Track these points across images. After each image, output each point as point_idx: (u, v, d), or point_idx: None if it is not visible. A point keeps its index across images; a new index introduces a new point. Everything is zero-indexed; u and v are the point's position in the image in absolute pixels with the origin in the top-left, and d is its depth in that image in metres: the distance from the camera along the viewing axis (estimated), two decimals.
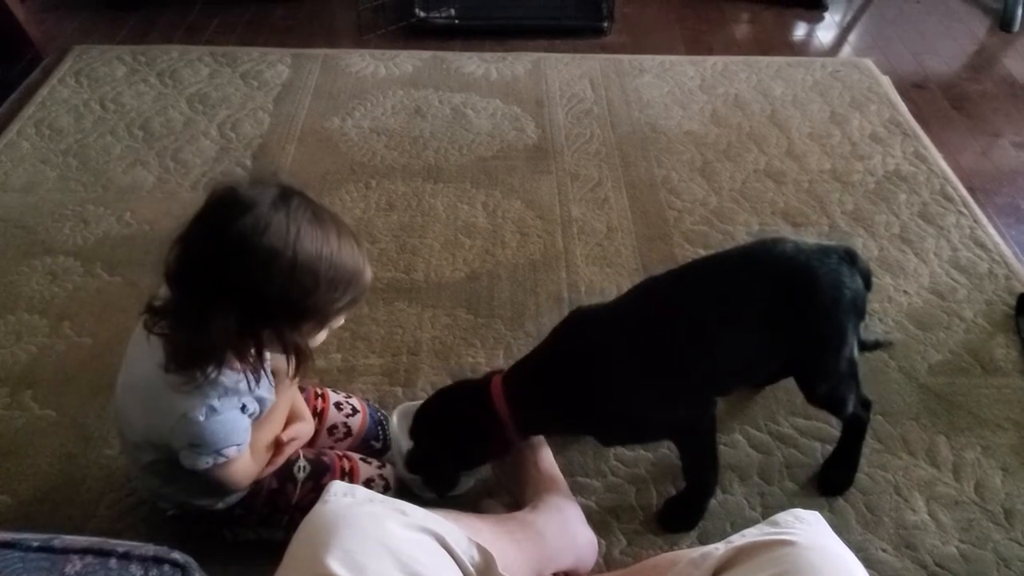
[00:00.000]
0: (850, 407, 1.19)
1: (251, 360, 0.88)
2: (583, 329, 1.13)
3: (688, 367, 1.08)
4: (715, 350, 1.08)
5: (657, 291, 1.14)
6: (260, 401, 0.98)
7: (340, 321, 0.98)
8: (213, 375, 0.88)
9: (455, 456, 1.14)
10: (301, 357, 0.91)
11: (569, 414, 1.12)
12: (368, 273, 0.94)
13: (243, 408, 0.94)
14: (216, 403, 0.90)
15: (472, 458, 1.17)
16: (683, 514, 1.22)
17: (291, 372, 0.93)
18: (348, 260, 0.89)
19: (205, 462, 0.93)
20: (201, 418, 0.89)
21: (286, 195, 0.86)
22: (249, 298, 0.83)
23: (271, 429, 1.04)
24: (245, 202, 0.83)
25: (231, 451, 0.93)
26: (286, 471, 1.10)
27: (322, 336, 0.98)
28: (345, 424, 1.23)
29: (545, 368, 1.13)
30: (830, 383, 1.16)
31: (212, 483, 0.98)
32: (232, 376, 0.91)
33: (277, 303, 0.84)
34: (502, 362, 1.46)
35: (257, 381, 0.92)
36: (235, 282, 0.82)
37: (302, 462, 1.12)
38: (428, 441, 1.13)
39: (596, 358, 1.08)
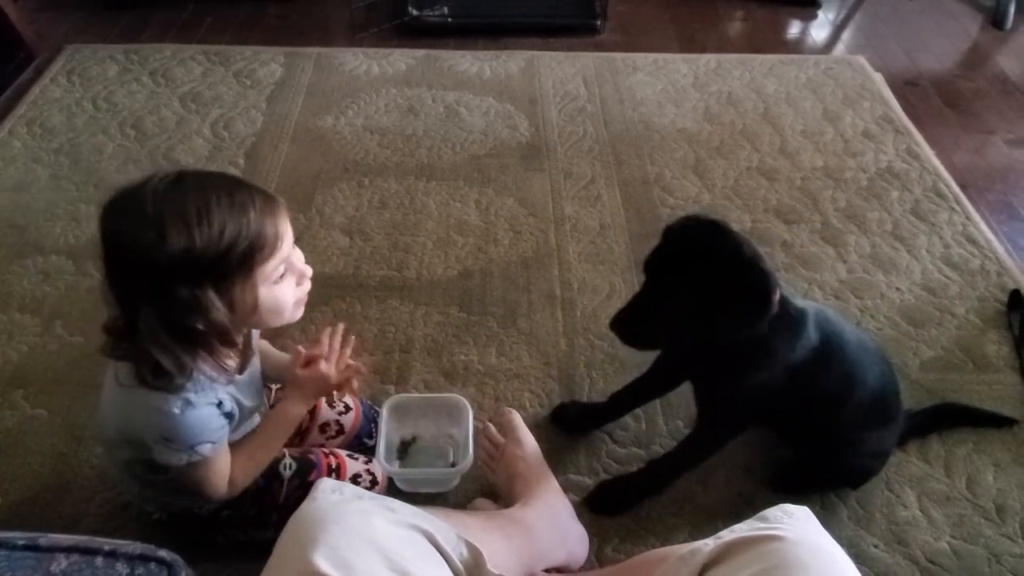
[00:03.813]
0: None
1: (216, 348, 0.87)
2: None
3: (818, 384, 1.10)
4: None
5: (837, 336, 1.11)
6: (239, 404, 0.97)
7: (280, 270, 0.90)
8: (184, 380, 0.86)
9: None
10: (223, 334, 0.87)
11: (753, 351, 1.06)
12: (260, 218, 0.86)
13: (219, 404, 0.92)
14: (192, 396, 0.88)
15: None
16: (619, 496, 1.23)
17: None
18: (217, 215, 0.83)
19: (179, 458, 0.91)
20: (176, 411, 0.87)
21: (150, 179, 0.88)
22: (145, 283, 0.82)
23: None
24: (118, 203, 0.87)
25: (205, 448, 0.92)
26: (272, 470, 1.09)
27: (282, 291, 0.91)
28: (338, 422, 1.23)
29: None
30: None
31: (189, 487, 0.97)
32: (208, 370, 0.89)
33: (169, 275, 0.81)
34: (495, 360, 1.46)
35: (241, 370, 0.92)
36: (128, 274, 0.83)
37: (288, 460, 1.11)
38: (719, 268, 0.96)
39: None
